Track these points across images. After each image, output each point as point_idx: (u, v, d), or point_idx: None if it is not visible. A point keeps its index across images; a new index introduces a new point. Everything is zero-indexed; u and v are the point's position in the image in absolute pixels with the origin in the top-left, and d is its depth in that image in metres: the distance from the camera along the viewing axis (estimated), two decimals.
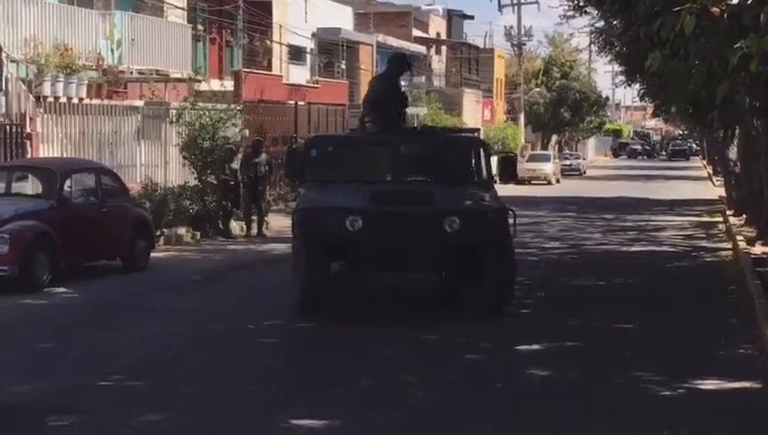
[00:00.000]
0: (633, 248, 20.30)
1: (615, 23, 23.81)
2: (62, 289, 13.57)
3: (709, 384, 8.79)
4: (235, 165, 21.47)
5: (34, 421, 7.37)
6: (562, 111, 59.68)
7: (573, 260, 18.36)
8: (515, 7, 56.14)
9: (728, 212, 27.69)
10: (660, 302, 13.49)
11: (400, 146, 13.07)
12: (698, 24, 5.78)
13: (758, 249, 18.06)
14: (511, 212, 12.31)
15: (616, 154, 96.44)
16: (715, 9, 5.83)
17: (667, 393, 8.52)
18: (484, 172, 13.08)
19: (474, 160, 13.11)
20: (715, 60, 6.97)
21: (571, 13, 23.78)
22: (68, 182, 14.58)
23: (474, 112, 50.20)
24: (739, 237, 20.08)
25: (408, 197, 12.19)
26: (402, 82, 15.08)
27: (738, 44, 5.82)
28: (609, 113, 78.65)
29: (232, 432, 7.22)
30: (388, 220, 11.71)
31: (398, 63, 14.24)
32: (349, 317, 12.03)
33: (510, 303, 12.34)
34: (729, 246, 20.25)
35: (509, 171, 14.88)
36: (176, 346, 10.23)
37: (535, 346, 10.42)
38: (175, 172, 22.89)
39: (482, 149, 13.34)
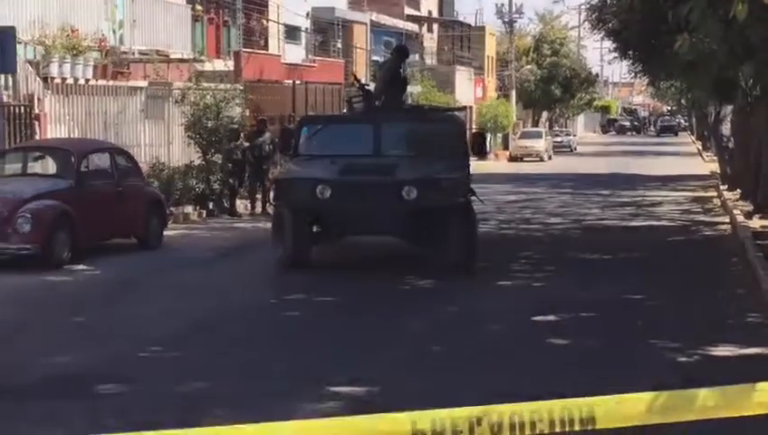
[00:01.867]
0: (633, 223, 20.72)
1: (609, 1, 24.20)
2: (81, 266, 13.92)
3: (724, 351, 9.19)
4: (241, 143, 21.79)
5: (86, 390, 7.73)
6: (553, 87, 60.18)
7: (577, 235, 18.77)
8: None
9: (722, 187, 28.14)
10: (666, 274, 13.90)
11: (382, 125, 14.50)
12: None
13: (756, 223, 18.49)
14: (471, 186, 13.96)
15: (605, 130, 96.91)
16: None
17: (684, 359, 8.93)
18: (457, 147, 14.45)
19: (447, 137, 14.59)
20: (738, 42, 7.32)
21: None
22: (85, 162, 14.91)
23: (466, 90, 50.49)
24: (736, 211, 20.53)
25: (373, 169, 13.70)
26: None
27: None
28: (598, 90, 79.14)
29: (280, 398, 7.55)
30: (352, 189, 13.36)
31: (401, 52, 16.84)
32: (367, 291, 12.41)
33: (473, 262, 13.39)
34: (726, 220, 20.69)
35: (479, 146, 16.40)
36: (205, 319, 10.60)
37: (551, 317, 10.81)
38: (178, 152, 23.17)
39: (456, 127, 15.13)
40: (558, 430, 3.03)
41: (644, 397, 3.31)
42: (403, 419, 2.92)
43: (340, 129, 15.31)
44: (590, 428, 3.14)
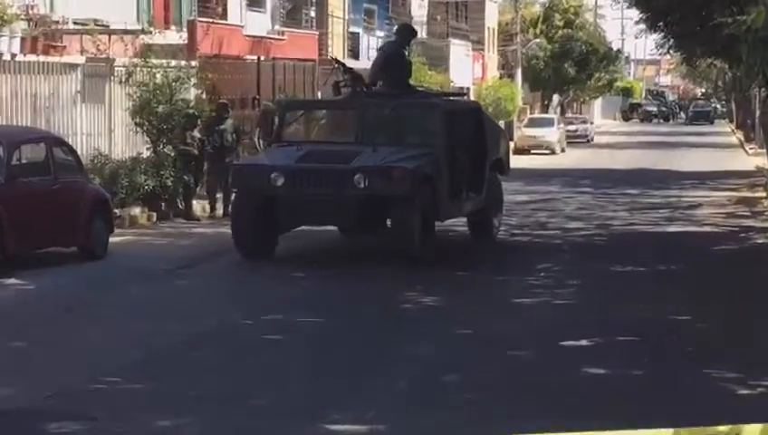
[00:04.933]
0: (670, 229, 20.90)
1: None
2: (13, 280, 13.91)
3: None
4: (198, 133, 21.78)
5: (36, 428, 7.76)
6: (566, 66, 60.41)
7: (603, 243, 18.94)
8: None
9: None
10: (715, 291, 14.00)
11: (366, 111, 16.19)
12: None
13: None
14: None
15: (626, 117, 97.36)
16: None
17: (746, 392, 9.04)
18: (437, 135, 15.87)
19: (428, 125, 16.16)
20: None
21: None
22: (16, 154, 14.92)
23: (463, 68, 50.62)
24: None
25: (331, 156, 15.34)
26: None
27: None
28: (619, 69, 79.45)
29: None
30: (306, 177, 15.06)
31: (405, 33, 18.64)
32: (360, 309, 12.54)
33: (412, 249, 14.81)
34: None
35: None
36: (167, 344, 10.64)
37: (583, 342, 10.90)
38: (121, 142, 23.14)
39: (437, 115, 16.21)
40: None
41: None
42: None
43: (324, 115, 17.38)
44: None
